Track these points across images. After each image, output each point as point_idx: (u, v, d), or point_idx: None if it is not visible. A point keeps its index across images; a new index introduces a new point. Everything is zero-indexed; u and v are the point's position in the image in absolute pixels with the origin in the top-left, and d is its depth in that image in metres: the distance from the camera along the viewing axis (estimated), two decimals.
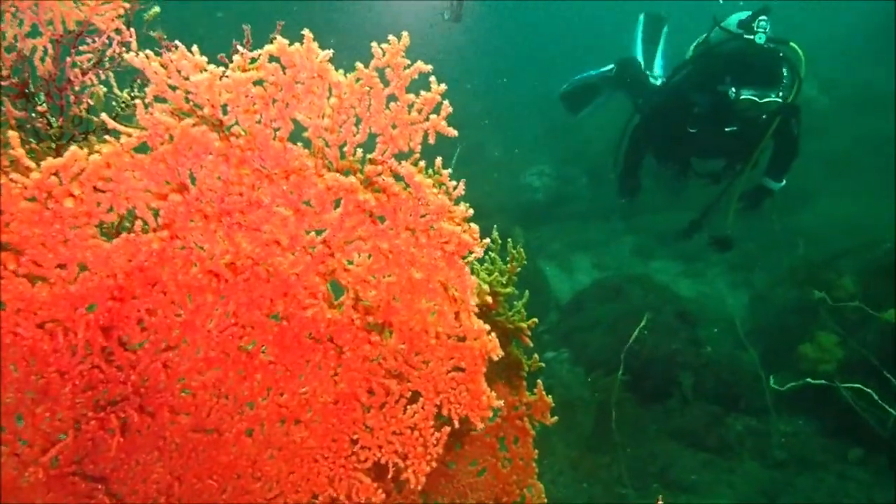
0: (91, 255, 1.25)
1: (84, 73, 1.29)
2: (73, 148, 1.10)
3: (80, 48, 1.30)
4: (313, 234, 1.38)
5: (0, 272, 1.23)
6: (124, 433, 1.51)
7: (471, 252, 1.35)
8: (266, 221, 1.33)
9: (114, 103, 1.37)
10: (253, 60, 1.16)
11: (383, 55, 1.20)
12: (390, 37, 1.18)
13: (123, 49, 1.29)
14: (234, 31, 1.27)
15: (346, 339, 1.50)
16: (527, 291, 1.99)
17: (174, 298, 1.42)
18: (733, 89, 4.75)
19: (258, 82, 1.18)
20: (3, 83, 1.26)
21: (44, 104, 1.30)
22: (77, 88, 1.29)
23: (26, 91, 1.29)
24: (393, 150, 1.29)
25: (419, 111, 1.25)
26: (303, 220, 1.34)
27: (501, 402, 1.61)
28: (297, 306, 1.46)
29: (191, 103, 1.18)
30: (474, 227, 1.33)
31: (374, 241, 1.38)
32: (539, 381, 1.90)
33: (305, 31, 1.10)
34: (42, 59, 1.28)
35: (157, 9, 1.30)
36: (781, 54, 4.83)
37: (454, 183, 1.31)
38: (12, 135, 1.12)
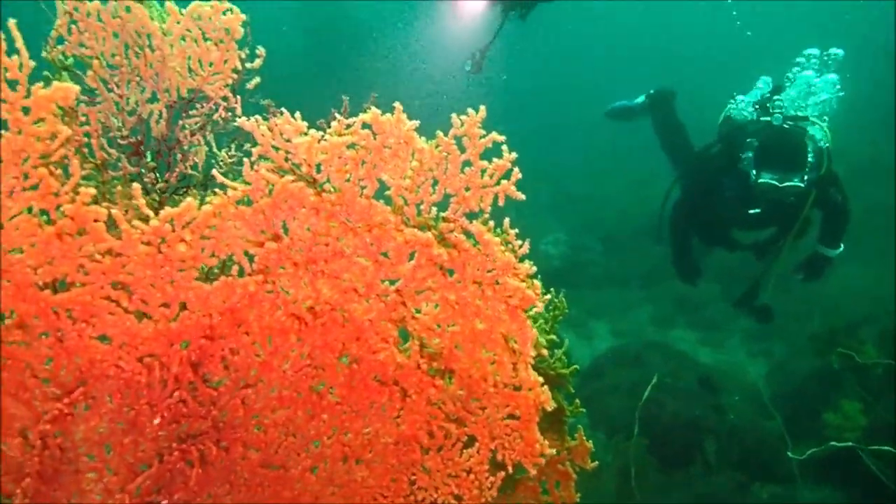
0: (193, 295, 1.39)
1: (192, 135, 1.45)
2: (189, 199, 1.25)
3: (190, 112, 1.46)
4: (387, 283, 1.51)
5: (112, 309, 1.37)
6: (201, 466, 1.61)
7: (532, 306, 1.47)
8: (347, 270, 1.47)
9: (213, 162, 1.52)
10: (347, 126, 1.32)
11: (461, 125, 1.35)
12: (469, 109, 1.32)
13: (230, 114, 1.45)
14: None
15: (411, 382, 1.61)
16: (566, 339, 2.10)
17: (256, 339, 1.55)
18: (754, 172, 4.66)
19: (350, 145, 1.33)
20: (121, 142, 1.42)
21: (154, 161, 1.46)
22: (185, 147, 1.44)
23: (140, 150, 1.45)
24: (464, 210, 1.43)
25: (491, 176, 1.39)
26: (380, 270, 1.47)
27: (553, 451, 1.71)
28: (367, 350, 1.58)
29: (290, 162, 1.33)
30: (537, 283, 1.45)
31: (443, 293, 1.50)
32: (580, 426, 1.99)
33: (396, 104, 1.26)
34: (157, 122, 1.45)
35: (258, 79, 1.46)
36: (803, 132, 4.73)
37: (519, 242, 1.44)
38: (135, 186, 1.27)
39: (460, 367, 1.62)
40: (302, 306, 1.50)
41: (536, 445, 1.65)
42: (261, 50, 1.40)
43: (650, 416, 5.32)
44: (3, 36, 1.12)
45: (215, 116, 1.46)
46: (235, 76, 1.42)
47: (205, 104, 1.46)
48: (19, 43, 1.14)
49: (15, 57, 1.14)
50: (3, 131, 1.17)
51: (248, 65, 1.43)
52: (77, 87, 1.15)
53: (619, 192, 13.54)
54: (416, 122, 1.28)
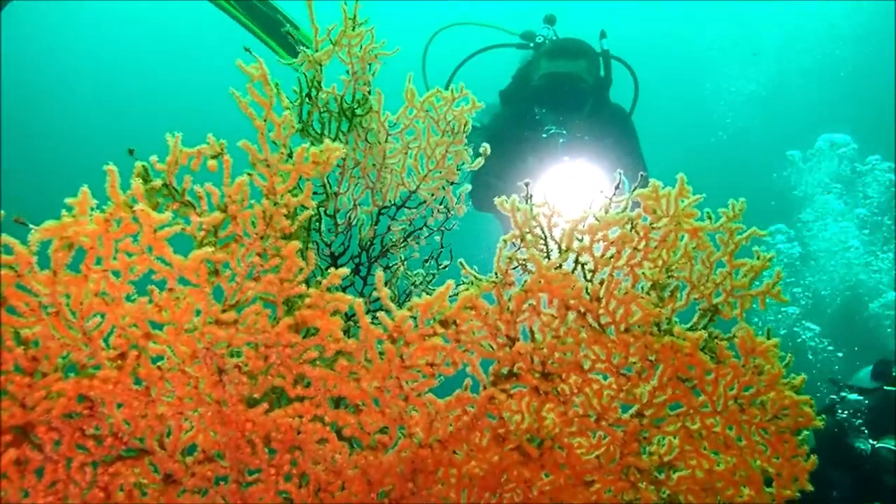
0: (423, 415, 1.14)
1: (400, 243, 1.29)
2: (449, 282, 1.07)
3: (399, 218, 1.31)
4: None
5: (324, 434, 1.10)
6: None
7: (803, 429, 1.25)
8: (580, 391, 1.24)
9: (406, 280, 1.35)
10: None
11: (714, 219, 1.22)
12: (731, 201, 1.21)
13: (450, 215, 1.31)
14: None
15: None
16: None
17: (451, 494, 1.27)
18: (871, 442, 3.74)
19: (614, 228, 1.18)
20: (326, 248, 1.25)
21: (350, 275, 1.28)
22: (388, 258, 1.28)
23: (337, 261, 1.28)
24: (712, 319, 1.27)
25: (745, 275, 1.24)
26: (619, 392, 1.25)
27: None
28: (585, 500, 1.30)
29: (542, 250, 1.17)
30: (811, 399, 1.24)
31: (684, 422, 1.28)
32: None
33: (680, 175, 1.14)
34: (363, 227, 1.29)
35: (468, 186, 1.34)
36: None
37: (781, 353, 1.26)
38: (378, 274, 1.09)
39: None
40: (523, 439, 1.25)
41: None
42: (485, 147, 1.29)
43: None
44: (273, 91, 1.00)
45: (429, 220, 1.31)
46: (457, 176, 1.29)
47: (414, 209, 1.32)
48: (285, 102, 1.03)
49: (285, 113, 1.01)
50: (254, 202, 1.01)
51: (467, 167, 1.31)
52: (342, 149, 1.01)
53: None
54: (700, 197, 1.15)
